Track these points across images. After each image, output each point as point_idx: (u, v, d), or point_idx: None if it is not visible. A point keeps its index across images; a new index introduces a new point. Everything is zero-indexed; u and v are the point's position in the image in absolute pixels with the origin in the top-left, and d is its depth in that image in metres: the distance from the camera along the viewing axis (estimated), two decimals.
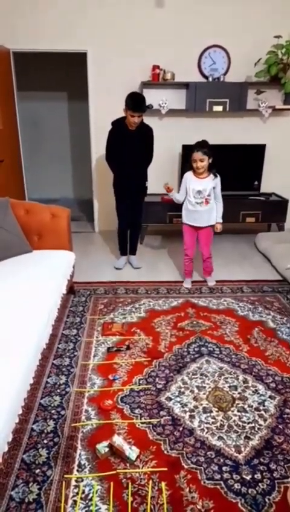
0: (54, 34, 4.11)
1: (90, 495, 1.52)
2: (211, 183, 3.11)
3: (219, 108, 4.25)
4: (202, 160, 3.00)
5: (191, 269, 3.36)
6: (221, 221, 3.20)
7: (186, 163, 4.43)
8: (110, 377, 2.17)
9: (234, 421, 1.88)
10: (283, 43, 4.09)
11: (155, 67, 4.15)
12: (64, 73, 5.82)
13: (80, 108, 5.80)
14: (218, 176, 3.15)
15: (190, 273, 3.36)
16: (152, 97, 4.15)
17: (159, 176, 4.13)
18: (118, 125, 3.38)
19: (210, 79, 4.26)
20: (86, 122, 4.59)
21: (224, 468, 1.63)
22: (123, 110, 3.26)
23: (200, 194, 3.11)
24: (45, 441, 1.75)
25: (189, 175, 3.17)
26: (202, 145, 3.03)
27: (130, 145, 3.37)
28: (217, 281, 3.41)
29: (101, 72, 4.27)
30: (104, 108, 4.38)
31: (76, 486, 1.55)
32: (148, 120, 3.52)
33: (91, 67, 4.26)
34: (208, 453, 1.71)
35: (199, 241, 3.27)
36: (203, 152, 3.00)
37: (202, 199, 3.11)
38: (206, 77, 4.30)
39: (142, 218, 3.84)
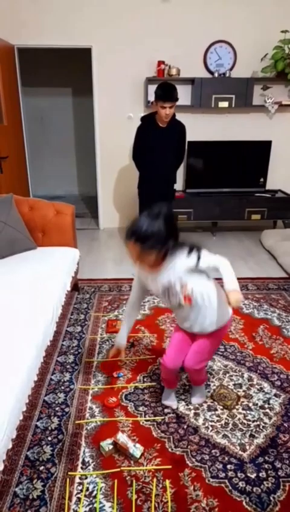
0: (58, 29, 4.09)
1: (95, 492, 1.51)
2: (181, 272, 1.58)
3: (225, 104, 4.22)
4: (142, 256, 1.53)
5: (174, 380, 1.97)
6: (232, 287, 1.53)
7: (191, 158, 4.46)
8: (115, 375, 2.16)
9: (239, 419, 1.87)
10: (289, 38, 4.04)
11: (160, 62, 4.12)
12: (69, 68, 5.82)
13: (84, 104, 5.80)
14: (198, 251, 1.57)
15: (173, 383, 1.98)
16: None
17: None
18: (148, 121, 3.10)
19: (216, 74, 4.22)
20: (91, 118, 4.57)
21: (229, 467, 1.62)
22: (152, 105, 3.01)
23: (167, 293, 1.66)
24: (49, 438, 1.75)
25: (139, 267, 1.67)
26: (135, 232, 1.48)
27: (160, 143, 3.07)
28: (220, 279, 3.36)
29: (105, 68, 4.24)
30: (109, 104, 4.37)
31: (80, 484, 1.55)
32: None
33: (96, 63, 4.24)
34: (213, 451, 1.70)
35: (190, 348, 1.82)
36: (140, 244, 1.49)
37: (174, 300, 1.67)
38: (211, 73, 4.27)
39: None
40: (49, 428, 1.81)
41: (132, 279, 3.35)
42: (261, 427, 1.83)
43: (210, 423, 1.84)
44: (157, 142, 3.09)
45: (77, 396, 2.01)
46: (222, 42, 4.21)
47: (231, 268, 1.59)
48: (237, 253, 4.05)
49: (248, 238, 4.47)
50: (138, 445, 1.68)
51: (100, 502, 1.48)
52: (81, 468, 1.61)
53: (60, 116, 6.25)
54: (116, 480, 1.55)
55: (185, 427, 1.82)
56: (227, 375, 2.18)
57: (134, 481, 1.56)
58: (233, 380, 2.14)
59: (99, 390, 2.05)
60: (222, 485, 1.55)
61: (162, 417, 1.87)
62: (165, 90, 2.90)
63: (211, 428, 1.82)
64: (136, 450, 1.65)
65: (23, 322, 1.85)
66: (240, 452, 1.69)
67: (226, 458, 1.66)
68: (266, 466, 1.63)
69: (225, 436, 1.78)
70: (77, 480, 1.56)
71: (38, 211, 2.80)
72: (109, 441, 1.69)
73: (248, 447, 1.72)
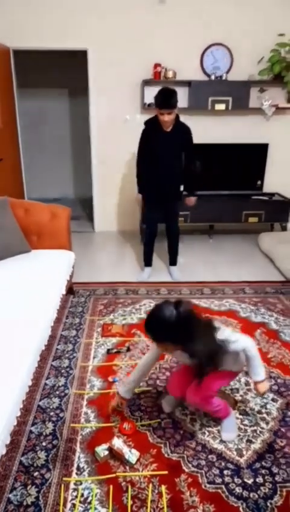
0: (54, 32, 4.08)
1: (90, 498, 1.50)
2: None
3: (222, 106, 4.22)
4: (158, 345, 1.70)
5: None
6: (261, 378, 1.69)
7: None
8: (110, 379, 2.14)
9: (236, 424, 1.85)
10: (286, 41, 4.06)
11: (157, 65, 4.12)
12: (65, 70, 5.80)
13: (80, 106, 5.78)
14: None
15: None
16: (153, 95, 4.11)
17: None
18: (152, 125, 3.07)
19: (212, 77, 4.22)
20: (87, 120, 4.56)
21: (225, 472, 1.61)
22: (156, 110, 2.96)
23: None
24: (44, 444, 1.73)
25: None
26: (147, 327, 1.59)
27: (165, 148, 3.05)
28: (219, 282, 3.37)
29: (101, 70, 4.24)
30: (105, 106, 4.37)
31: (75, 490, 1.53)
32: None
33: (92, 65, 4.23)
34: (209, 456, 1.68)
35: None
36: (152, 337, 1.63)
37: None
38: (208, 75, 4.27)
39: (178, 225, 3.45)
40: (44, 433, 1.79)
41: (127, 283, 3.38)
42: (258, 432, 1.81)
43: (207, 428, 1.83)
44: (161, 147, 3.06)
45: (71, 401, 1.98)
46: (219, 45, 4.22)
47: (257, 351, 1.67)
48: (234, 256, 4.05)
49: (245, 241, 4.47)
50: (133, 450, 1.67)
51: (95, 508, 1.46)
52: (76, 474, 1.59)
53: (56, 118, 6.23)
54: (111, 486, 1.54)
55: (181, 432, 1.81)
56: None
57: (129, 487, 1.54)
58: (230, 384, 2.12)
59: (95, 395, 2.03)
60: (219, 490, 1.53)
61: (158, 420, 1.86)
62: (162, 97, 2.85)
63: (207, 433, 1.80)
64: (131, 455, 1.63)
65: (17, 326, 1.83)
66: (237, 457, 1.68)
67: (223, 464, 1.65)
68: (263, 471, 1.61)
69: (221, 441, 1.76)
70: (72, 486, 1.54)
71: (33, 214, 2.78)
72: (104, 446, 1.68)
73: (244, 452, 1.70)
